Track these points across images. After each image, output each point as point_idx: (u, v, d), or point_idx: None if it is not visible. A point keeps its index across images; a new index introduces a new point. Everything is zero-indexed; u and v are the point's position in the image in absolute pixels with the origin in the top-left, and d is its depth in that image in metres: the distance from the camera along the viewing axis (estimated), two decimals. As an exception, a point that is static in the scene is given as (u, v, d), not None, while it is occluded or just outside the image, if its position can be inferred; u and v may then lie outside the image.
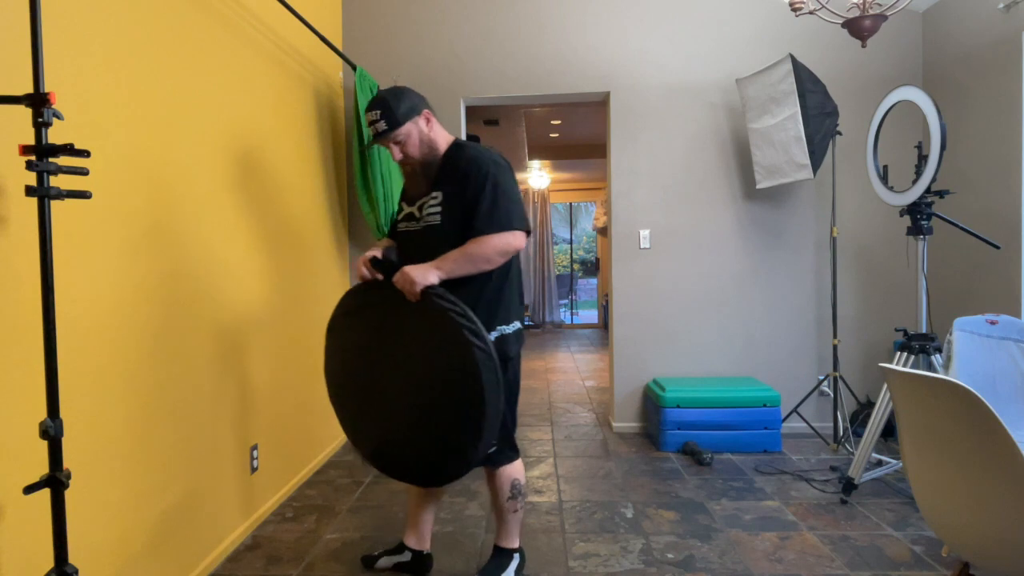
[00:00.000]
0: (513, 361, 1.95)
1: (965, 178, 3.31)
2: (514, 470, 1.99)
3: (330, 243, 3.48)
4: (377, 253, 1.95)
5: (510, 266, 1.94)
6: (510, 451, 1.99)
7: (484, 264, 1.82)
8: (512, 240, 1.83)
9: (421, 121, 1.91)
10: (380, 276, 1.89)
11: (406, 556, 2.15)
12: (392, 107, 1.86)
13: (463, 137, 3.81)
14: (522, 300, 2.02)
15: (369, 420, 1.93)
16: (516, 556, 2.06)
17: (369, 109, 1.89)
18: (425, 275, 1.77)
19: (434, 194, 1.91)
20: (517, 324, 1.96)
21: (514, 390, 1.99)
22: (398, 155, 1.91)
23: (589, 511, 2.62)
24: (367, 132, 3.27)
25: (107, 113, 1.71)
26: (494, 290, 1.90)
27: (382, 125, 1.87)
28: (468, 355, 1.70)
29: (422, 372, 1.79)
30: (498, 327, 1.90)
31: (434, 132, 1.94)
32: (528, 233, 1.88)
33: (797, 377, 3.70)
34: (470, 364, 1.70)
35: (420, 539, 2.15)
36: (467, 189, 1.85)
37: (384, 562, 2.17)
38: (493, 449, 1.92)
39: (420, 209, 1.94)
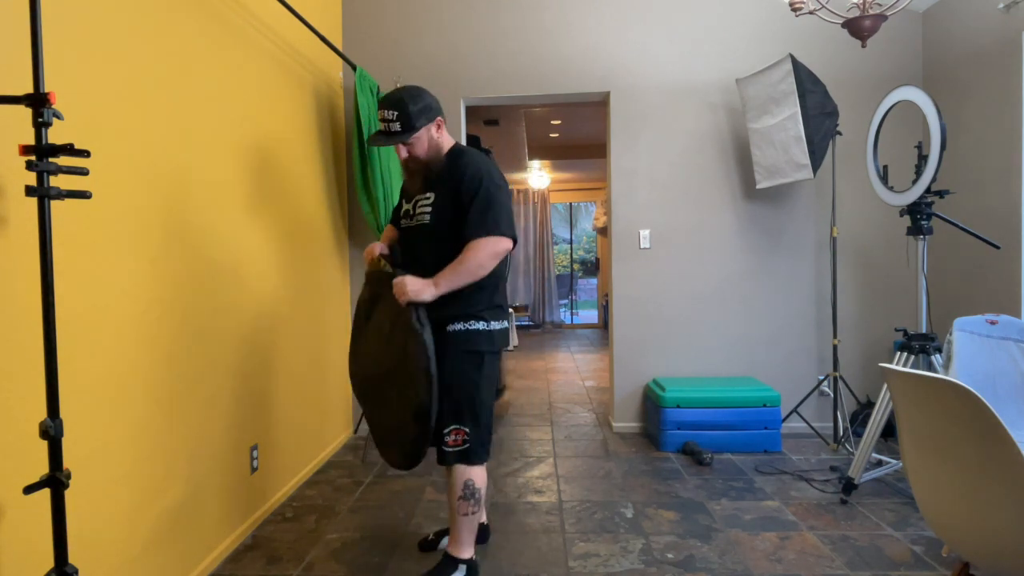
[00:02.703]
0: (486, 357, 1.98)
1: (965, 178, 3.31)
2: (469, 471, 1.97)
3: (330, 243, 3.48)
4: (384, 248, 2.11)
5: (495, 274, 1.99)
6: (481, 454, 1.98)
7: (479, 271, 1.89)
8: (501, 244, 1.90)
9: (433, 127, 1.97)
10: (390, 269, 2.03)
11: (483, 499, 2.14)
12: (409, 111, 1.90)
13: (463, 137, 3.81)
14: (504, 304, 2.06)
15: (373, 407, 2.09)
16: (463, 567, 1.99)
17: (385, 107, 1.92)
18: (419, 293, 1.87)
19: (428, 194, 1.99)
20: (485, 324, 1.97)
21: (485, 398, 1.97)
22: (404, 154, 1.97)
23: (589, 511, 2.62)
24: (367, 132, 3.27)
25: (107, 113, 1.71)
26: (472, 287, 1.94)
27: (396, 127, 1.91)
28: (411, 341, 1.88)
29: (395, 359, 1.96)
30: (463, 321, 1.95)
31: (443, 138, 2.01)
32: (515, 242, 1.94)
33: (797, 377, 3.70)
34: (412, 349, 1.88)
35: (484, 505, 2.23)
36: (461, 194, 1.91)
37: (446, 543, 2.16)
38: (461, 447, 1.95)
39: (415, 207, 2.02)
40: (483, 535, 2.31)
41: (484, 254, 1.88)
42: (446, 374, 1.93)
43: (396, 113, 1.90)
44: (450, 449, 1.95)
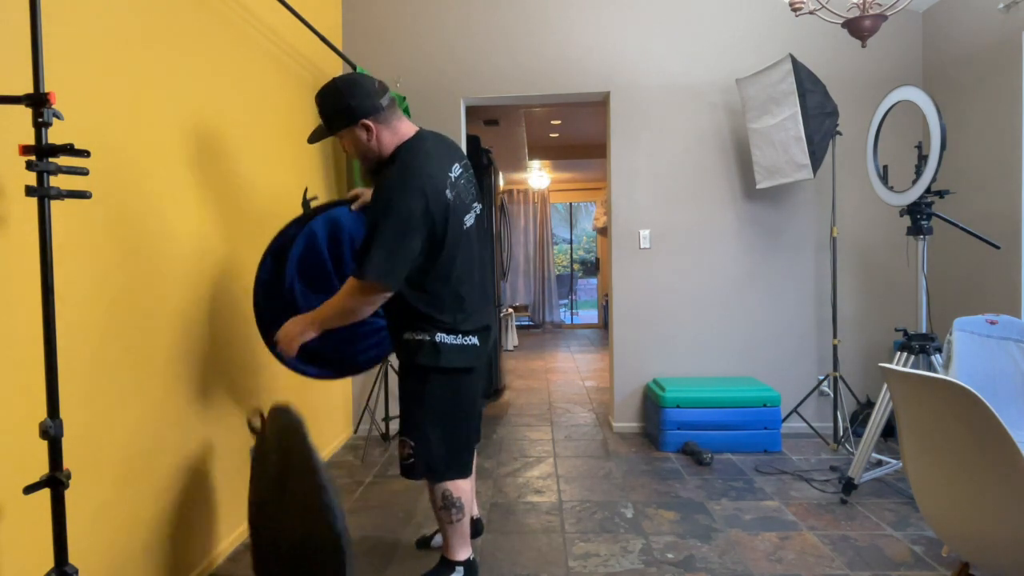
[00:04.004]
0: (433, 373, 1.85)
1: (965, 178, 3.31)
2: (446, 483, 1.91)
3: (330, 243, 3.48)
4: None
5: (437, 296, 1.83)
6: (427, 471, 1.89)
7: (352, 318, 1.78)
8: (374, 296, 1.73)
9: (358, 130, 1.79)
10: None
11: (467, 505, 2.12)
12: (326, 109, 1.81)
13: (463, 137, 3.80)
14: (468, 316, 1.89)
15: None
16: (460, 569, 1.98)
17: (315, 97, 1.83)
18: (292, 338, 1.82)
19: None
20: (429, 337, 1.83)
21: (431, 414, 1.87)
22: (343, 149, 1.91)
23: (589, 511, 2.62)
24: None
25: (107, 113, 1.71)
26: (417, 305, 1.83)
27: (321, 121, 1.85)
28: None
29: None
30: (408, 333, 1.85)
31: (377, 140, 1.81)
32: (394, 289, 1.75)
33: (797, 377, 3.70)
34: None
35: (470, 508, 2.11)
36: (367, 214, 1.78)
37: (438, 540, 2.21)
38: (408, 462, 1.87)
39: None
40: (475, 531, 2.31)
41: (352, 299, 1.74)
42: (401, 385, 1.91)
43: (318, 109, 1.83)
44: (401, 461, 1.90)
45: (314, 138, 1.88)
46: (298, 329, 1.81)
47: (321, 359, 2.08)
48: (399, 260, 1.71)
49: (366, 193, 2.04)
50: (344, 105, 1.77)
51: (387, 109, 1.81)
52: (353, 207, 2.16)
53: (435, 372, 1.85)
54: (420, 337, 1.84)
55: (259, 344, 2.57)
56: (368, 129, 1.79)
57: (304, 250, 2.05)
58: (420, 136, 1.86)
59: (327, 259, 2.10)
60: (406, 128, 1.86)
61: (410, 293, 1.82)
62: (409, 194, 1.71)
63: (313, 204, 2.13)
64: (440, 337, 1.83)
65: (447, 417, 1.89)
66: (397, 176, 1.75)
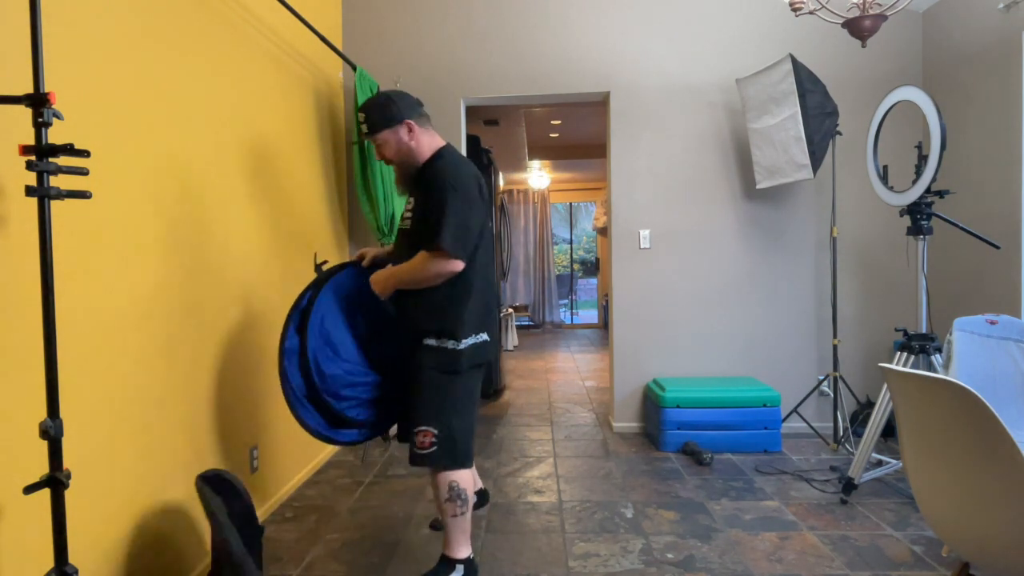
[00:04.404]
0: (456, 369, 1.95)
1: (965, 178, 3.31)
2: (452, 473, 1.96)
3: (330, 243, 3.48)
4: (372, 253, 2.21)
5: (470, 286, 1.96)
6: (447, 459, 1.94)
7: (424, 284, 1.93)
8: (438, 267, 1.88)
9: (401, 130, 1.97)
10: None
11: (472, 499, 2.20)
12: (373, 113, 1.98)
13: (463, 137, 3.81)
14: (483, 316, 2.01)
15: None
16: (460, 568, 1.98)
17: (359, 110, 2.06)
18: (386, 280, 1.99)
19: (410, 200, 2.06)
20: (455, 343, 1.94)
21: (443, 403, 1.96)
22: (377, 155, 2.06)
23: (589, 511, 2.62)
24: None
25: (107, 113, 1.71)
26: (444, 304, 1.95)
27: (364, 128, 2.01)
28: None
29: None
30: (436, 338, 1.95)
31: (416, 141, 1.99)
32: (465, 262, 1.90)
33: (797, 377, 3.70)
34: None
35: (475, 481, 2.25)
36: (429, 201, 1.92)
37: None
38: (430, 451, 1.93)
39: (405, 212, 2.09)
40: (483, 500, 2.42)
41: (431, 272, 1.89)
42: (423, 381, 1.95)
43: (364, 115, 2.00)
44: (419, 451, 1.93)
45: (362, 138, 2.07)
46: (384, 276, 2.00)
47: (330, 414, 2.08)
48: (468, 234, 1.90)
49: (370, 251, 2.21)
50: (390, 107, 1.98)
51: (425, 119, 2.04)
52: (364, 263, 2.22)
53: (458, 369, 1.95)
54: (444, 344, 1.94)
55: (259, 344, 2.57)
56: (410, 129, 1.98)
57: (321, 319, 2.09)
58: (451, 146, 2.09)
59: (346, 325, 2.15)
60: (438, 140, 2.07)
61: (447, 289, 1.94)
62: (466, 179, 1.93)
63: (325, 267, 2.20)
64: (464, 342, 1.94)
65: (464, 408, 1.98)
66: (450, 167, 1.95)
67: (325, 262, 2.26)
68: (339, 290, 2.15)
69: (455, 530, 1.98)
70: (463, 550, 2.00)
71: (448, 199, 1.86)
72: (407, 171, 2.02)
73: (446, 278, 1.90)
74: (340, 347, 2.08)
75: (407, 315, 2.01)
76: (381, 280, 2.00)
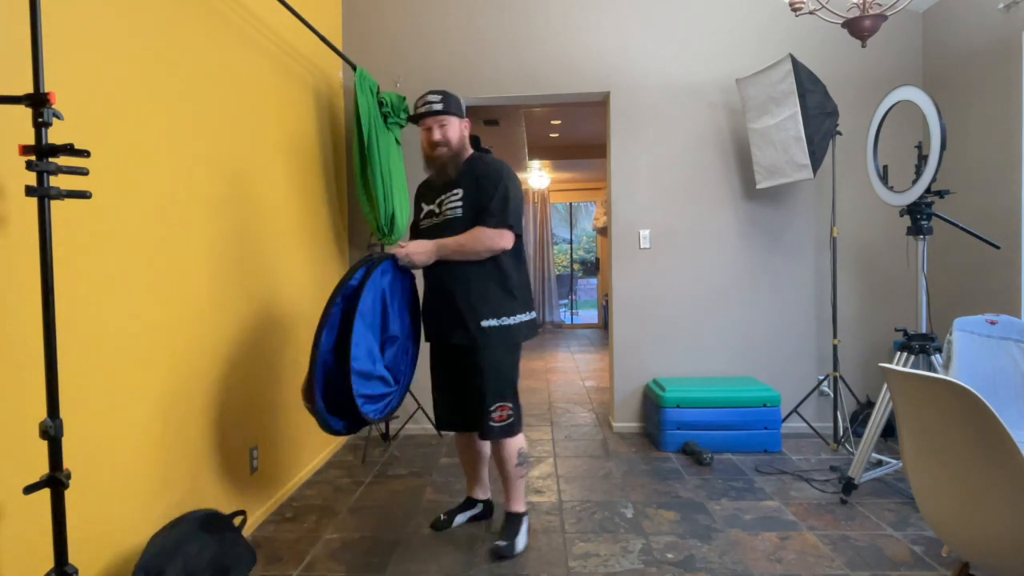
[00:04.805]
0: (515, 346, 2.27)
1: (965, 178, 3.31)
2: (519, 440, 2.28)
3: (330, 242, 3.48)
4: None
5: (516, 268, 2.27)
6: (519, 426, 2.28)
7: (473, 256, 2.19)
8: (500, 240, 2.18)
9: (463, 124, 2.31)
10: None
11: (478, 508, 2.51)
12: (450, 98, 2.27)
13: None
14: (528, 296, 2.32)
15: None
16: (525, 519, 2.34)
17: (429, 92, 2.26)
18: (425, 256, 2.20)
19: (455, 191, 2.26)
20: (511, 319, 2.24)
21: (512, 376, 2.27)
22: (437, 135, 2.24)
23: (589, 511, 2.62)
24: (367, 132, 3.26)
25: (107, 113, 1.71)
26: (499, 285, 2.23)
27: (438, 105, 2.24)
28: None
29: None
30: (496, 318, 2.21)
31: (465, 138, 2.32)
32: (518, 236, 2.23)
33: (797, 377, 3.70)
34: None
35: (484, 489, 2.54)
36: (483, 189, 2.21)
37: (460, 519, 2.47)
38: (508, 421, 2.23)
39: (440, 205, 2.28)
40: (488, 511, 2.54)
41: (483, 245, 2.17)
42: (487, 361, 2.20)
43: (439, 96, 2.24)
44: (496, 424, 2.21)
45: (415, 119, 2.29)
46: (422, 248, 2.20)
47: (342, 411, 2.14)
48: (521, 217, 2.24)
49: (410, 244, 2.25)
50: (460, 103, 2.31)
51: None
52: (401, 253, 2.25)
53: (516, 346, 2.27)
54: (504, 322, 2.22)
55: (259, 344, 2.57)
56: (466, 127, 2.33)
57: (371, 301, 2.17)
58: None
59: (379, 324, 2.23)
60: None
61: (504, 272, 2.23)
62: (512, 173, 2.28)
63: (375, 250, 2.28)
64: (517, 318, 2.25)
65: (517, 380, 2.31)
66: (501, 162, 2.29)
67: (379, 244, 2.32)
68: (383, 279, 2.22)
69: (520, 488, 2.34)
70: (523, 505, 2.37)
71: (509, 185, 2.21)
72: (449, 160, 2.25)
73: (494, 252, 2.18)
74: (376, 335, 2.18)
75: (455, 306, 2.21)
76: (423, 249, 2.19)
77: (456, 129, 2.27)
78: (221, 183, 2.30)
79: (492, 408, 2.21)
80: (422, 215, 2.36)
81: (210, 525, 1.90)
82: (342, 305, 2.07)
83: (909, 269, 3.65)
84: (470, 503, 2.52)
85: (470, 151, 2.34)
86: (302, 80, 3.13)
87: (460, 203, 2.23)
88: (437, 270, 2.25)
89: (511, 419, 2.23)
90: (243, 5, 2.50)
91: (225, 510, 2.28)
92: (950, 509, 1.54)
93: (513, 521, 2.31)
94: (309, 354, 2.03)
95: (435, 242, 2.20)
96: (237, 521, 1.96)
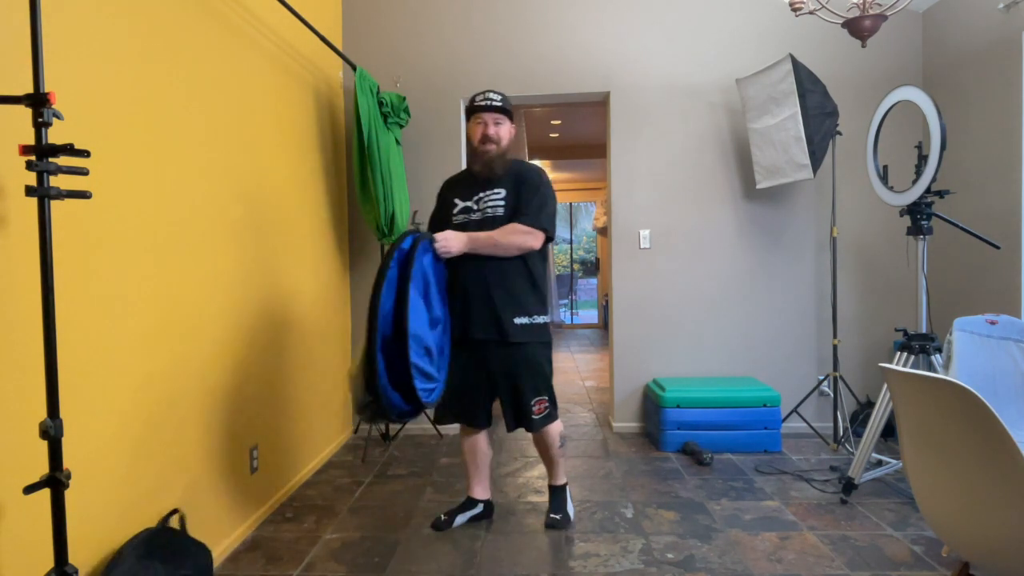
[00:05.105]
0: (547, 342, 2.43)
1: (965, 178, 3.31)
2: (558, 425, 2.46)
3: (331, 243, 3.48)
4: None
5: (544, 270, 2.43)
6: (556, 414, 2.45)
7: (503, 251, 2.28)
8: (530, 239, 2.29)
9: (512, 127, 2.44)
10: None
11: (479, 508, 2.54)
12: (508, 100, 2.42)
13: (463, 137, 3.81)
14: (545, 300, 2.46)
15: None
16: (568, 487, 2.57)
17: (491, 91, 2.41)
18: (458, 244, 2.26)
19: (497, 190, 2.36)
20: (543, 318, 2.40)
21: (547, 371, 2.42)
22: (492, 130, 2.36)
23: (589, 511, 2.62)
24: (367, 132, 3.26)
25: (107, 113, 1.71)
26: (531, 285, 2.37)
27: (497, 103, 2.38)
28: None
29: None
30: (528, 316, 2.34)
31: (513, 140, 2.44)
32: (548, 240, 2.34)
33: (797, 377, 3.70)
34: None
35: (485, 490, 2.58)
36: (523, 190, 2.34)
37: (460, 519, 2.50)
38: (546, 412, 2.37)
39: (479, 202, 2.38)
40: (488, 512, 2.58)
41: (514, 243, 2.28)
42: (524, 358, 2.32)
43: (501, 96, 2.39)
44: (537, 417, 2.35)
45: (482, 107, 2.39)
46: (456, 237, 2.26)
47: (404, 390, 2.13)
48: (554, 221, 2.38)
49: (446, 232, 2.29)
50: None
51: None
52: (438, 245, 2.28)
53: (547, 343, 2.42)
54: (535, 320, 2.35)
55: (259, 344, 2.57)
56: (514, 131, 2.46)
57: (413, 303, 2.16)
58: None
59: (423, 306, 2.23)
60: None
61: (533, 272, 2.37)
62: (549, 181, 2.43)
63: (411, 224, 2.38)
64: (544, 317, 2.39)
65: (551, 375, 2.45)
66: (538, 168, 2.45)
67: (420, 222, 2.35)
68: (425, 256, 2.22)
69: (562, 465, 2.54)
70: (564, 477, 2.56)
71: (548, 192, 2.36)
72: (496, 157, 2.37)
73: (524, 251, 2.30)
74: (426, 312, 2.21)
75: (490, 301, 2.30)
76: (455, 239, 2.26)
77: (507, 130, 2.40)
78: (221, 182, 2.30)
79: (532, 403, 2.33)
80: (456, 210, 2.42)
81: (151, 548, 1.73)
82: (396, 269, 2.08)
83: (909, 269, 3.65)
84: (471, 503, 2.53)
85: (511, 156, 2.44)
86: (302, 80, 3.13)
87: (503, 203, 2.34)
88: (471, 264, 2.30)
89: (548, 410, 2.38)
90: (243, 5, 2.50)
91: (225, 509, 2.29)
92: (950, 509, 1.54)
93: (559, 493, 2.52)
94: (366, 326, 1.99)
95: (468, 234, 2.27)
96: (174, 522, 1.91)
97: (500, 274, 2.30)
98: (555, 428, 2.44)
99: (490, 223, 2.32)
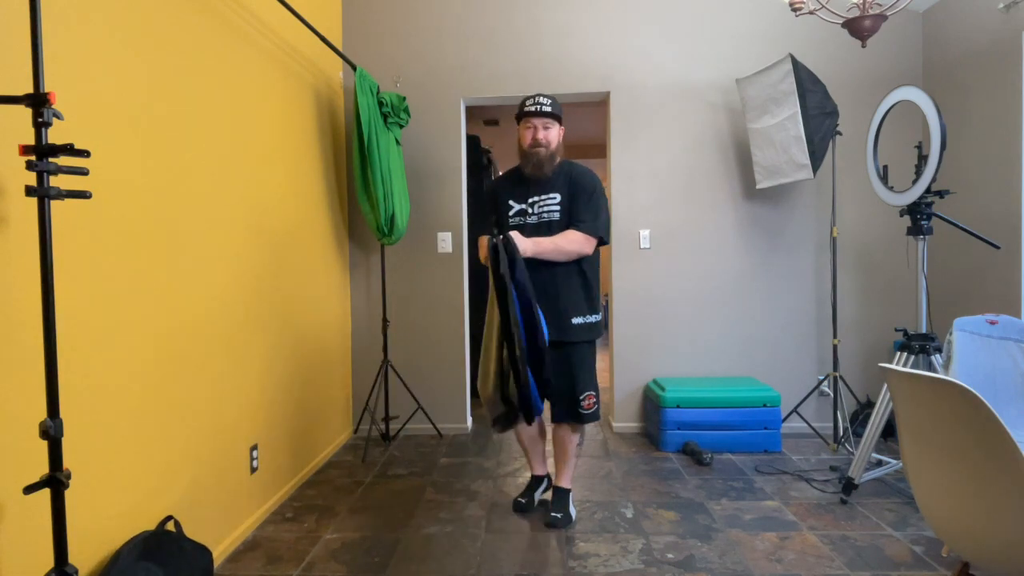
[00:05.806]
0: (594, 341, 2.51)
1: (965, 178, 3.31)
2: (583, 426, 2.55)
3: (331, 243, 3.48)
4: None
5: (597, 272, 2.50)
6: (600, 409, 2.52)
7: (563, 257, 2.37)
8: (586, 245, 2.38)
9: (561, 130, 2.49)
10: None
11: (545, 482, 2.72)
12: (558, 105, 2.46)
13: (463, 137, 3.81)
14: (598, 300, 2.55)
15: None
16: (571, 492, 2.62)
17: (541, 95, 2.45)
18: (529, 249, 2.29)
19: (552, 195, 2.43)
20: (596, 317, 2.48)
21: (595, 368, 2.52)
22: (541, 135, 2.41)
23: (589, 511, 2.62)
24: (367, 132, 3.26)
25: (107, 113, 1.71)
26: (587, 286, 2.45)
27: (547, 108, 2.42)
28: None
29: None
30: (583, 315, 2.43)
31: (561, 143, 2.48)
32: (600, 244, 2.42)
33: (797, 377, 3.69)
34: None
35: (543, 466, 2.74)
36: (578, 195, 2.40)
37: (539, 494, 2.68)
38: (595, 408, 2.46)
39: (533, 206, 2.45)
40: (550, 481, 2.74)
41: (572, 248, 2.36)
42: (580, 356, 2.44)
43: (550, 100, 2.43)
44: (586, 411, 2.45)
45: (532, 105, 2.44)
46: (522, 242, 2.28)
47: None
48: (609, 227, 2.48)
49: (521, 240, 2.34)
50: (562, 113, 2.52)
51: None
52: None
53: (597, 338, 2.50)
54: (588, 320, 2.44)
55: (259, 344, 2.57)
56: (562, 134, 2.50)
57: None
58: None
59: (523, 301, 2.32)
60: None
61: (587, 274, 2.45)
62: (602, 184, 2.47)
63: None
64: (596, 316, 2.47)
65: (596, 371, 2.53)
66: (591, 171, 2.47)
67: (499, 236, 2.32)
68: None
69: (572, 468, 2.61)
70: (571, 483, 2.62)
71: (601, 199, 2.43)
72: (546, 159, 2.41)
73: (579, 256, 2.39)
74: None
75: (555, 302, 2.40)
76: (523, 242, 2.29)
77: (556, 134, 2.45)
78: (220, 181, 2.30)
79: (582, 397, 2.44)
80: (511, 212, 2.49)
81: (148, 550, 1.74)
82: (516, 278, 2.19)
83: (909, 269, 3.65)
84: (537, 481, 2.71)
85: (560, 158, 2.49)
86: (302, 80, 3.13)
87: (558, 208, 2.41)
88: (537, 267, 2.36)
89: (596, 406, 2.48)
90: (243, 5, 2.50)
91: (225, 509, 2.29)
92: (950, 509, 1.54)
93: (563, 495, 2.56)
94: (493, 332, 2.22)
95: (532, 239, 2.32)
96: (170, 527, 1.91)
97: (567, 275, 2.41)
98: (582, 428, 2.55)
99: (546, 227, 2.41)
